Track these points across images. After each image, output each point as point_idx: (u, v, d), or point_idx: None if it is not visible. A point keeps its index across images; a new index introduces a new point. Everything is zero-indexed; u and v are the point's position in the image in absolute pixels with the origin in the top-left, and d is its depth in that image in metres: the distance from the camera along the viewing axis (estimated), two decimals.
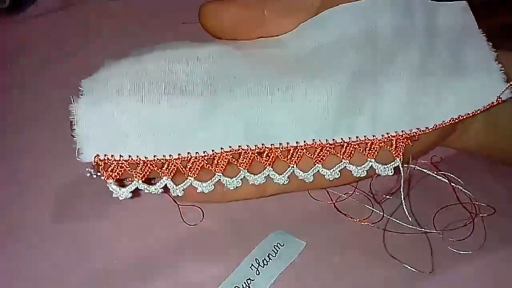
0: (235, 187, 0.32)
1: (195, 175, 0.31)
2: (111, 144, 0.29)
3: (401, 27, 0.32)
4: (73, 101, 0.29)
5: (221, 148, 0.30)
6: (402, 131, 0.31)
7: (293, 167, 0.31)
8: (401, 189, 0.33)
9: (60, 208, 0.36)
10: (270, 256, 0.32)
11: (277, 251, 0.33)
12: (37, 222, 0.35)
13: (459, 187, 0.36)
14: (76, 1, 0.54)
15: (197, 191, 0.32)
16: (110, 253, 0.33)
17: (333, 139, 0.31)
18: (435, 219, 0.34)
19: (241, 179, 0.32)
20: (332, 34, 0.32)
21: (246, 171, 0.31)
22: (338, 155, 0.31)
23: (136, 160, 0.29)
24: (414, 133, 0.31)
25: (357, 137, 0.31)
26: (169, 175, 0.30)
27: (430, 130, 0.32)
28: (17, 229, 0.34)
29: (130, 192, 0.30)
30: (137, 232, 0.34)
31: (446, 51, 0.32)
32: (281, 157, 0.31)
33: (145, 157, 0.29)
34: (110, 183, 0.30)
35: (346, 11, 0.32)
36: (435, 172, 0.37)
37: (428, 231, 0.34)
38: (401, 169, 0.32)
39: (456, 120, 0.32)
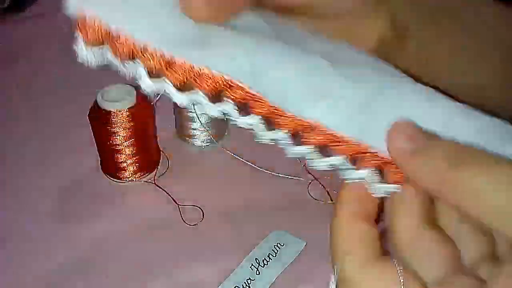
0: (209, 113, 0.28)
1: (172, 78, 0.28)
2: (107, 9, 0.24)
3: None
4: None
5: (219, 71, 0.27)
6: None
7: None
8: None
9: (60, 208, 0.36)
10: (270, 256, 0.32)
11: (277, 251, 0.33)
12: (37, 222, 0.35)
13: None
14: None
15: (173, 100, 0.27)
16: (110, 253, 0.33)
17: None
18: None
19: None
20: None
21: (233, 103, 0.28)
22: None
23: (123, 39, 0.27)
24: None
25: None
26: (145, 66, 0.28)
27: None
28: (17, 229, 0.34)
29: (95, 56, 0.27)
30: (136, 232, 0.34)
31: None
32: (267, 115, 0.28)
33: (132, 38, 0.27)
34: (80, 42, 0.27)
35: None
36: None
37: None
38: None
39: None
